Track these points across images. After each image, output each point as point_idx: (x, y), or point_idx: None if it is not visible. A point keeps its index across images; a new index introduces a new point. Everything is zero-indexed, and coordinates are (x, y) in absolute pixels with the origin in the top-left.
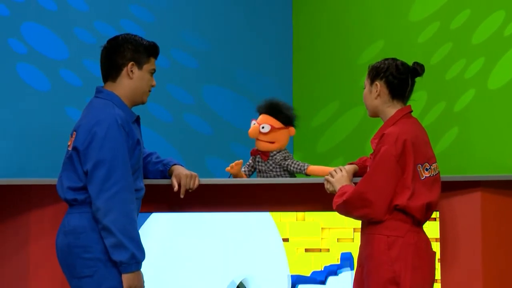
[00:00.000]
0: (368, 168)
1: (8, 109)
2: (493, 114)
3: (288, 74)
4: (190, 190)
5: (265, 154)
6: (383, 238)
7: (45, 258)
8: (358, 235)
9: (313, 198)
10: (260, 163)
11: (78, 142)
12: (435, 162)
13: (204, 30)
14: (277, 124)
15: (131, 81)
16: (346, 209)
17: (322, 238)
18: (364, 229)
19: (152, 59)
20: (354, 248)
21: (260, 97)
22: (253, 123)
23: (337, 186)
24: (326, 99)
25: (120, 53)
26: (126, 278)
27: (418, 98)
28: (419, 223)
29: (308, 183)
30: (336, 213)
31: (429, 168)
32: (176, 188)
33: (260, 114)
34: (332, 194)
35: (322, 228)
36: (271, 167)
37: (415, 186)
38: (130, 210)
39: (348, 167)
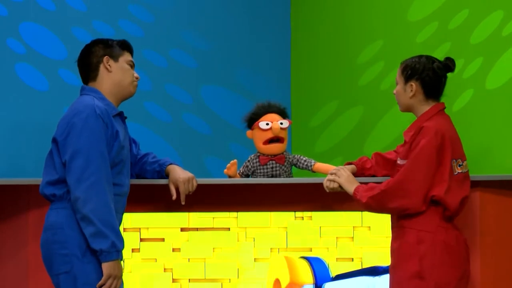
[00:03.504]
0: (398, 160)
1: (7, 109)
2: (491, 114)
3: (286, 73)
4: (189, 193)
5: (281, 158)
6: (413, 232)
7: None
8: (357, 233)
9: (313, 198)
10: (276, 168)
11: (57, 134)
12: (466, 160)
13: (203, 30)
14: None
15: (111, 74)
16: (383, 200)
17: (321, 237)
18: (394, 223)
19: (126, 53)
20: (354, 247)
21: (259, 97)
22: (266, 123)
23: (348, 186)
24: (324, 99)
25: (92, 53)
26: (106, 266)
27: None
28: (450, 219)
29: (308, 183)
30: (335, 212)
31: (462, 164)
32: (174, 196)
33: (263, 115)
34: (333, 193)
35: (320, 226)
36: (285, 169)
37: (450, 181)
38: (109, 199)
39: (347, 167)
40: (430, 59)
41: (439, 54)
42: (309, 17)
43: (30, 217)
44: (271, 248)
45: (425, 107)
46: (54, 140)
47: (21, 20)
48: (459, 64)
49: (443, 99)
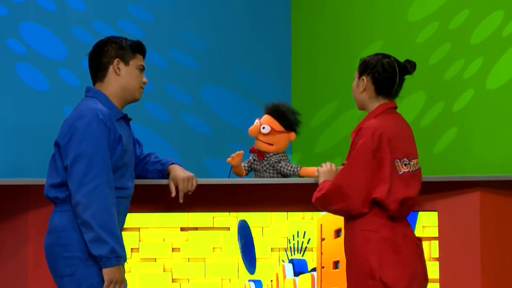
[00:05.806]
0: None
1: (7, 109)
2: (492, 114)
3: (286, 74)
4: (189, 193)
5: (261, 154)
6: (359, 233)
7: (43, 258)
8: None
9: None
10: (255, 162)
11: (59, 137)
12: (416, 158)
13: (203, 30)
14: (278, 127)
15: (119, 77)
16: (324, 203)
17: (321, 237)
18: (344, 225)
19: (139, 56)
20: None
21: (259, 97)
22: (256, 122)
23: (321, 179)
24: (324, 99)
25: (104, 52)
26: (106, 272)
27: (417, 98)
28: (393, 218)
29: (308, 183)
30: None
31: (408, 163)
32: (173, 193)
33: (265, 114)
34: None
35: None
36: (264, 168)
37: (393, 181)
38: (110, 204)
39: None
40: (386, 56)
41: (439, 54)
42: (309, 17)
43: (30, 217)
44: (271, 248)
45: (375, 105)
46: (56, 144)
47: (21, 20)
48: (459, 64)
49: (444, 100)
